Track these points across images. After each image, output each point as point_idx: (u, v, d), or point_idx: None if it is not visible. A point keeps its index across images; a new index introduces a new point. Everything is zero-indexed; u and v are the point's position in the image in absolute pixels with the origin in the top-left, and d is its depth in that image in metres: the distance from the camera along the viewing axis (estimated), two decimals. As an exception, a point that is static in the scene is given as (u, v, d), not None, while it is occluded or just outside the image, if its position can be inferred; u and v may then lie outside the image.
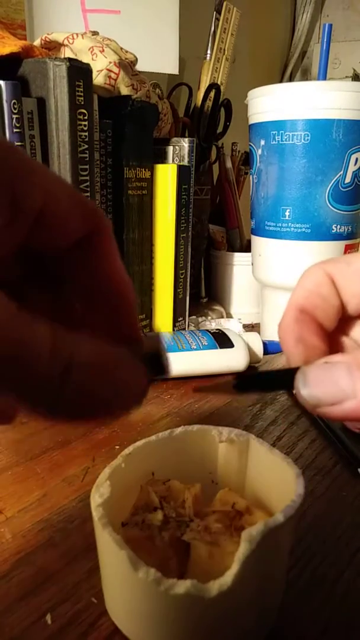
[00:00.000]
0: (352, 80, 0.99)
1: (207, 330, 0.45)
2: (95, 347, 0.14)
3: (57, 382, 0.13)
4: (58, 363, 0.13)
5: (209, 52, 0.65)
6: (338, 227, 0.49)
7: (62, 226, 0.16)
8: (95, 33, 0.48)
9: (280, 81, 1.10)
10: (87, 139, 0.37)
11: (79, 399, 0.13)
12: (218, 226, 0.70)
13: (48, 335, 0.13)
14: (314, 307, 0.20)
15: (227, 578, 0.16)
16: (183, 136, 0.60)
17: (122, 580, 0.17)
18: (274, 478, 0.21)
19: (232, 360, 0.42)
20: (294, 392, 0.17)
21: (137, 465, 0.21)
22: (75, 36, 0.45)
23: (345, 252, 0.50)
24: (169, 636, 0.17)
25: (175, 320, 0.53)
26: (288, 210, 0.49)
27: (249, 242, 0.57)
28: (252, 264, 0.56)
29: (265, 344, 0.45)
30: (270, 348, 0.45)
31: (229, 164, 0.68)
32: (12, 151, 0.14)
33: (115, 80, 0.45)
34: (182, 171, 0.49)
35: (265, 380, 0.19)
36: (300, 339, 0.19)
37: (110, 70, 0.45)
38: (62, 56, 0.46)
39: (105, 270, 0.17)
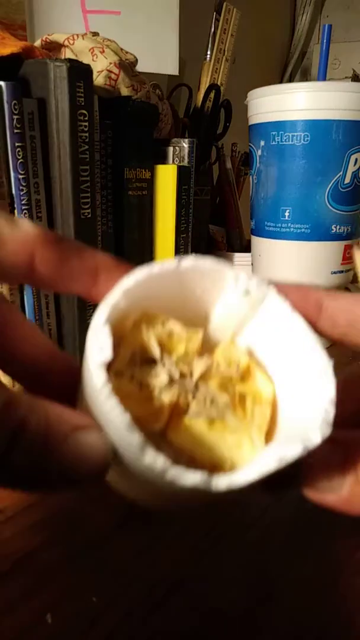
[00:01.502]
0: (352, 80, 0.99)
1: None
2: (52, 412, 0.14)
3: (4, 449, 0.12)
4: (6, 429, 0.12)
5: (209, 52, 0.65)
6: (338, 227, 0.49)
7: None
8: (95, 34, 0.48)
9: (280, 82, 1.10)
10: (87, 140, 0.37)
11: (28, 469, 0.13)
12: (218, 226, 0.70)
13: None
14: None
15: (240, 478, 0.15)
16: (183, 137, 0.60)
17: (128, 462, 0.15)
18: (286, 350, 0.18)
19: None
20: None
21: (135, 302, 0.18)
22: (75, 37, 0.45)
23: (344, 253, 0.50)
24: (159, 501, 0.17)
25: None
26: (288, 210, 0.49)
27: (249, 242, 0.57)
28: (252, 265, 0.56)
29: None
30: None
31: (229, 165, 0.68)
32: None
33: (116, 81, 0.46)
34: (182, 172, 0.49)
35: None
36: None
37: (110, 71, 0.45)
38: (63, 57, 0.46)
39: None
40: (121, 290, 0.17)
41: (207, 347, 0.19)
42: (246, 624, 0.20)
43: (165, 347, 0.18)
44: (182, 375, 0.17)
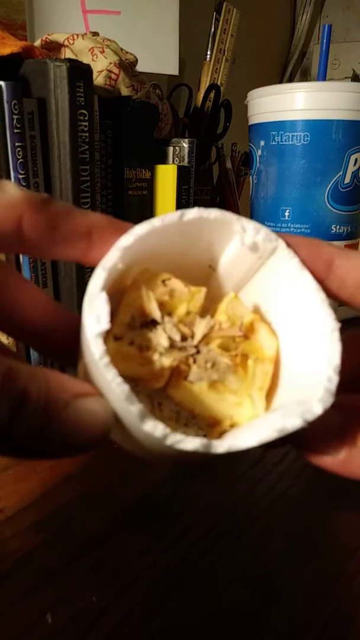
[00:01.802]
0: (351, 80, 0.99)
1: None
2: (52, 381, 0.13)
3: (5, 420, 0.12)
4: (8, 399, 0.12)
5: (208, 53, 0.65)
6: (337, 227, 0.49)
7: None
8: (95, 34, 0.48)
9: (280, 82, 1.10)
10: (87, 140, 0.37)
11: (30, 438, 0.13)
12: (218, 227, 0.70)
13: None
14: None
15: (239, 444, 0.15)
16: (183, 137, 0.60)
17: (129, 428, 0.15)
18: (292, 309, 0.18)
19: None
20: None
21: (135, 260, 0.17)
22: (75, 37, 0.45)
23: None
24: (162, 459, 0.16)
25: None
26: (288, 210, 0.49)
27: (249, 242, 0.57)
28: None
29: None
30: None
31: (229, 165, 0.68)
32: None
33: (116, 81, 0.46)
34: (182, 172, 0.49)
35: None
36: None
37: (110, 71, 0.45)
38: (63, 57, 0.46)
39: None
40: (118, 251, 0.16)
41: (211, 301, 0.18)
42: (246, 624, 0.20)
43: (166, 307, 0.17)
44: (183, 338, 0.17)
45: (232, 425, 0.17)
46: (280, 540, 0.24)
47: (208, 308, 0.18)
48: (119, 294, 0.17)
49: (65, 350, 0.18)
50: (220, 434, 0.17)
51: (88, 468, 0.30)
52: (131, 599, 0.20)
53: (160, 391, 0.17)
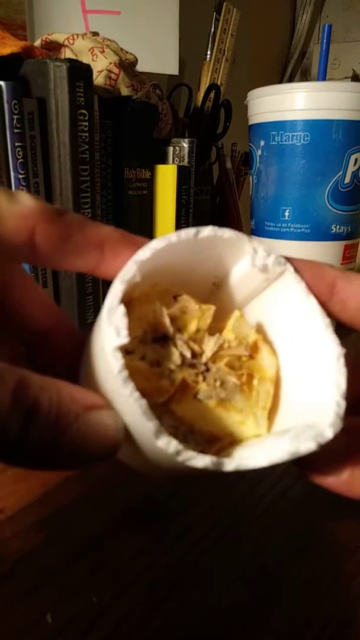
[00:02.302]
0: (351, 80, 0.99)
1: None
2: (63, 391, 0.13)
3: (16, 430, 0.12)
4: (19, 412, 0.12)
5: (208, 52, 0.65)
6: (337, 227, 0.49)
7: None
8: (95, 34, 0.48)
9: (280, 82, 1.10)
10: (87, 140, 0.37)
11: (40, 449, 0.13)
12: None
13: (11, 383, 0.12)
14: None
15: (249, 463, 0.15)
16: (183, 137, 0.60)
17: (140, 443, 0.16)
18: (296, 332, 0.18)
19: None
20: None
21: (150, 274, 0.17)
22: (75, 37, 0.45)
23: (344, 252, 0.50)
24: (166, 474, 0.17)
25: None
26: (288, 210, 0.49)
27: (249, 242, 0.57)
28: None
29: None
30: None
31: (228, 165, 0.68)
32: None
33: (116, 80, 0.46)
34: (182, 172, 0.49)
35: None
36: None
37: (110, 71, 0.45)
38: (63, 57, 0.46)
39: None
40: (135, 264, 0.16)
41: (214, 319, 0.18)
42: (246, 624, 0.20)
43: (177, 323, 0.17)
44: (193, 355, 0.17)
45: (231, 443, 0.17)
46: (280, 541, 0.24)
47: (215, 325, 0.19)
48: (128, 302, 0.17)
49: (61, 355, 0.18)
50: (218, 451, 0.17)
51: (88, 468, 0.30)
52: (131, 599, 0.20)
53: (160, 405, 0.17)
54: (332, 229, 0.49)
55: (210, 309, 0.18)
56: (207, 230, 0.17)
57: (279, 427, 0.18)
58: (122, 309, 0.15)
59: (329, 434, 0.15)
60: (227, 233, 0.17)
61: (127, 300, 0.17)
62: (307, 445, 0.15)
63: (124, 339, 0.15)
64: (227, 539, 0.24)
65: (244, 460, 0.15)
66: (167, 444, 0.14)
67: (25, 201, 0.15)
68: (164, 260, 0.17)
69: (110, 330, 0.15)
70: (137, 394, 0.14)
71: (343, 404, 0.16)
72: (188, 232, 0.17)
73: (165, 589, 0.21)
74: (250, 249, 0.17)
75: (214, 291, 0.19)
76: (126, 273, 0.16)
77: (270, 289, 0.18)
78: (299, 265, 0.18)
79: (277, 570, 0.22)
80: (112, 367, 0.14)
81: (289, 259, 0.18)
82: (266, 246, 0.18)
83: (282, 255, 0.18)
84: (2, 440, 0.12)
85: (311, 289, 0.17)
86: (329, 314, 0.18)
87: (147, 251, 0.16)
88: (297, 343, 0.18)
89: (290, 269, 0.18)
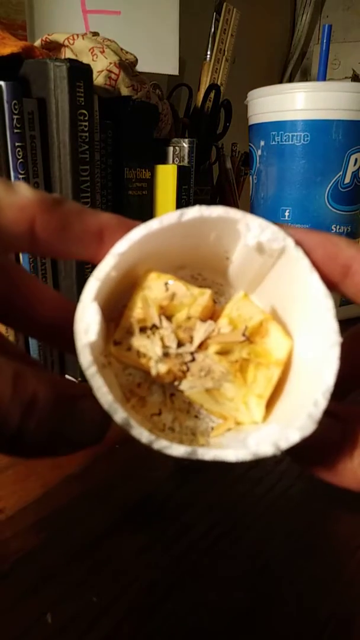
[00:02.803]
0: (351, 80, 0.99)
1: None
2: (56, 383, 0.14)
3: (17, 421, 0.13)
4: (19, 403, 0.13)
5: (209, 53, 0.65)
6: (337, 227, 0.49)
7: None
8: (95, 34, 0.48)
9: (280, 82, 1.10)
10: (87, 140, 0.37)
11: (39, 438, 0.13)
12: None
13: (9, 375, 0.13)
14: None
15: (228, 455, 0.15)
16: (183, 137, 0.60)
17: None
18: (298, 312, 0.17)
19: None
20: None
21: (142, 260, 0.16)
22: (75, 37, 0.45)
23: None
24: None
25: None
26: (288, 210, 0.49)
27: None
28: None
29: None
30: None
31: (229, 165, 0.68)
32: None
33: (116, 81, 0.46)
34: (182, 172, 0.49)
35: None
36: None
37: (110, 71, 0.45)
38: (63, 57, 0.46)
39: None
40: (113, 258, 0.16)
41: (223, 299, 0.18)
42: (246, 624, 0.20)
43: (167, 311, 0.17)
44: (181, 344, 0.17)
45: (238, 424, 0.17)
46: (280, 540, 0.24)
47: (215, 310, 0.18)
48: (115, 294, 0.17)
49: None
50: (229, 429, 0.17)
51: (88, 468, 0.30)
52: (131, 599, 0.20)
53: (172, 384, 0.17)
54: (332, 229, 0.49)
55: (205, 294, 0.17)
56: (193, 212, 0.16)
57: (277, 416, 0.17)
58: (94, 306, 0.15)
59: (294, 437, 0.15)
60: (215, 211, 0.16)
61: (131, 286, 0.17)
62: (264, 449, 0.15)
63: (92, 336, 0.15)
64: (227, 539, 0.24)
65: (223, 453, 0.15)
66: (140, 435, 0.15)
67: (24, 192, 0.15)
68: (156, 246, 0.16)
69: (80, 328, 0.15)
70: (104, 389, 0.14)
71: (322, 403, 0.15)
72: (171, 217, 0.16)
73: (165, 589, 0.21)
74: (243, 226, 0.16)
75: (230, 265, 0.18)
76: (101, 270, 0.16)
77: (276, 267, 0.17)
78: (310, 243, 0.16)
79: (277, 570, 0.22)
80: (82, 361, 0.15)
81: (296, 233, 0.16)
82: (262, 221, 0.16)
83: (285, 228, 0.16)
84: (3, 431, 0.13)
85: (322, 269, 0.16)
86: (342, 295, 0.17)
87: (125, 243, 0.16)
88: (297, 327, 0.17)
89: (290, 244, 0.16)
